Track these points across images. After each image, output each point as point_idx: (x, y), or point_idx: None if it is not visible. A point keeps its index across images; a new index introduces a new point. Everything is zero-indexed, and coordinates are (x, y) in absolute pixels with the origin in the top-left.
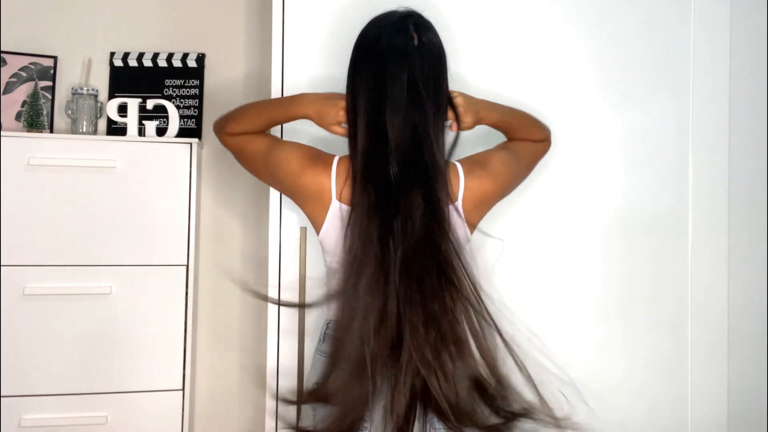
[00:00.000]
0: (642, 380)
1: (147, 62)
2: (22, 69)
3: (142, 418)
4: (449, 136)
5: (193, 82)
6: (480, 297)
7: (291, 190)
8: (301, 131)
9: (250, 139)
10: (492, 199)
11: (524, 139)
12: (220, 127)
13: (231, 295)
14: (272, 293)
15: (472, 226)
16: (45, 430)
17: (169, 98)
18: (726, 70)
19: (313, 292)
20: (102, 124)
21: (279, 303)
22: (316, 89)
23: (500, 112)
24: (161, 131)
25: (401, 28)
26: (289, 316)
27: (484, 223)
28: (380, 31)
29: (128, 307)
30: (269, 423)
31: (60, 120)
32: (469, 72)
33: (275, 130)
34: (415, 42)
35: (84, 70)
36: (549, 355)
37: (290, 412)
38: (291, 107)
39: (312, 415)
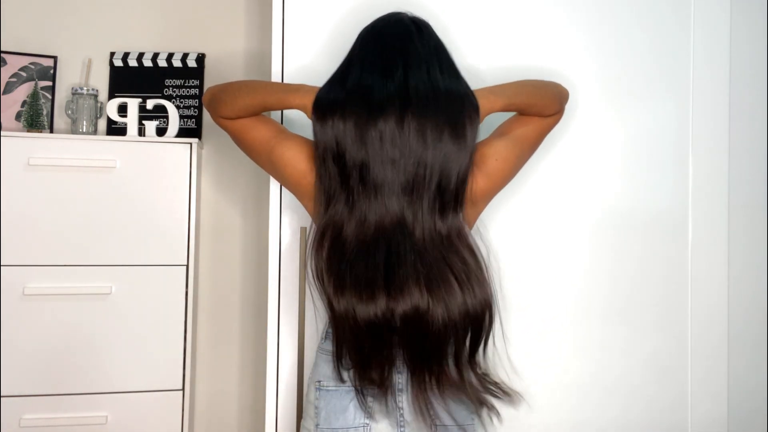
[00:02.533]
0: (642, 380)
1: (147, 62)
2: (22, 69)
3: (142, 418)
4: None
5: (193, 82)
6: None
7: (296, 188)
8: (302, 123)
9: (248, 127)
10: (489, 195)
11: (535, 115)
12: (213, 108)
13: (231, 295)
14: (272, 292)
15: (471, 222)
16: (45, 430)
17: (169, 98)
18: (726, 70)
19: (314, 292)
20: (102, 124)
21: None
22: None
23: (506, 95)
24: (161, 131)
25: (400, 23)
26: (290, 315)
27: (484, 217)
28: (380, 24)
29: (128, 307)
30: (269, 422)
31: (60, 120)
32: (467, 73)
33: (275, 116)
34: (414, 31)
35: (84, 70)
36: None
37: (291, 412)
38: (287, 96)
39: (314, 414)
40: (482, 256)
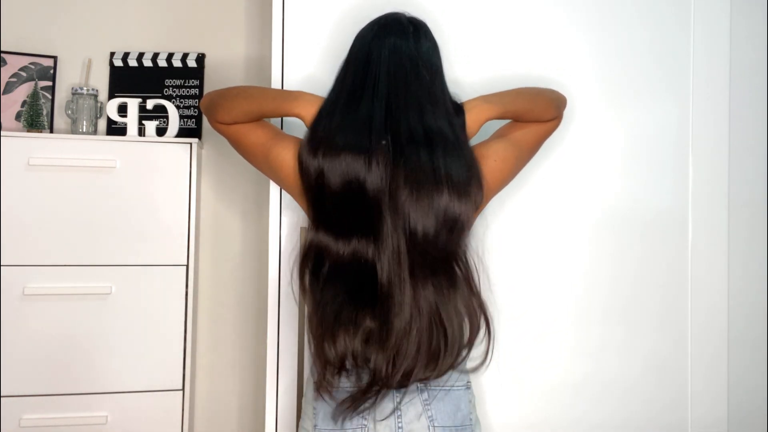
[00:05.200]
0: (642, 380)
1: (147, 62)
2: (22, 69)
3: (142, 418)
4: None
5: (193, 82)
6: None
7: (294, 189)
8: (302, 126)
9: (245, 131)
10: (487, 195)
11: (533, 121)
12: (210, 114)
13: (231, 295)
14: (272, 292)
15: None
16: (45, 430)
17: (169, 98)
18: (726, 70)
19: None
20: (102, 124)
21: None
22: (315, 89)
23: (502, 102)
24: (161, 131)
25: (397, 22)
26: (290, 315)
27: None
28: (377, 23)
29: (128, 307)
30: (269, 422)
31: (60, 120)
32: (466, 73)
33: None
34: (411, 30)
35: (84, 70)
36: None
37: (291, 412)
38: (285, 104)
39: (312, 415)
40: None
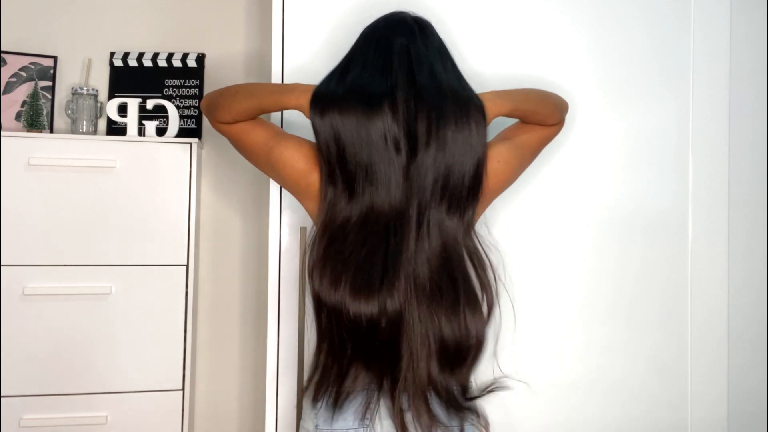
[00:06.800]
0: (642, 380)
1: (147, 62)
2: (22, 69)
3: (142, 418)
4: None
5: (193, 82)
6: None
7: (295, 188)
8: (301, 124)
9: (246, 130)
10: (489, 196)
11: (537, 123)
12: (211, 114)
13: (231, 295)
14: (272, 292)
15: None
16: (45, 430)
17: (169, 98)
18: (726, 70)
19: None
20: (102, 124)
21: None
22: None
23: (513, 100)
24: (161, 131)
25: (403, 22)
26: (290, 315)
27: (487, 219)
28: (382, 23)
29: (128, 307)
30: (269, 422)
31: (60, 120)
32: (469, 73)
33: (275, 118)
34: (417, 30)
35: (84, 70)
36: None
37: (291, 412)
38: (282, 97)
39: (313, 415)
40: (491, 270)
